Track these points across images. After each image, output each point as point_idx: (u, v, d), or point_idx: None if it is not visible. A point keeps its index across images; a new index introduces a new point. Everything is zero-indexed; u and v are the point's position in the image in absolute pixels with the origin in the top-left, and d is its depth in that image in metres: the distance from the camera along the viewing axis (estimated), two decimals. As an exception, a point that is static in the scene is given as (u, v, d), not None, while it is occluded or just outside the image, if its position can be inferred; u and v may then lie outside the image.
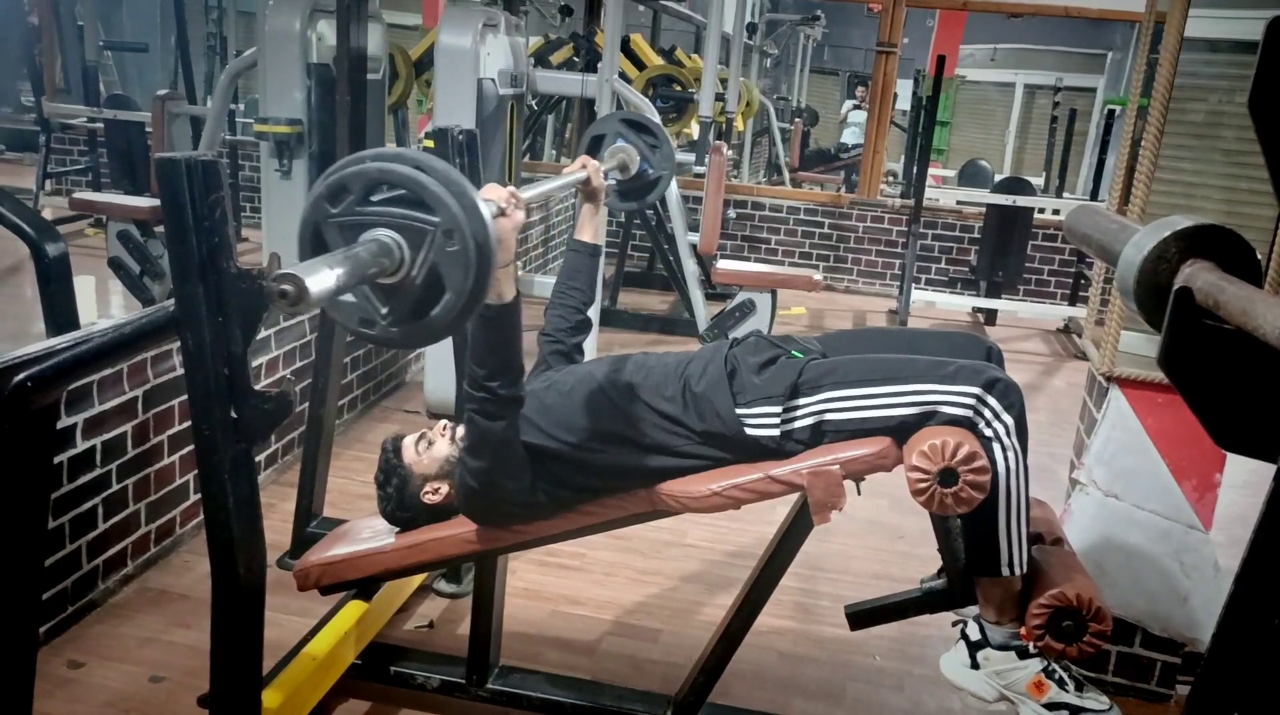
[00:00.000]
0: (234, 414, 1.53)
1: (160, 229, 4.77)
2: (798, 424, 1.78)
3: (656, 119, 2.38)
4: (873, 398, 1.74)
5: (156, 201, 4.78)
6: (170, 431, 2.74)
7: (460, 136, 2.45)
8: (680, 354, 1.98)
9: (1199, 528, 2.34)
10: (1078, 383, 4.65)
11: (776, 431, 1.78)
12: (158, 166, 1.46)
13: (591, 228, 2.17)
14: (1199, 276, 0.72)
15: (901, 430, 1.72)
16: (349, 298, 1.23)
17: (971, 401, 1.68)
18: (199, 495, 2.87)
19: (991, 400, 1.68)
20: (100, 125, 6.22)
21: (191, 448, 2.82)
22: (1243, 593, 0.69)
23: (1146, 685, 2.43)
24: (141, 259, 4.55)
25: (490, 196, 1.48)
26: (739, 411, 1.80)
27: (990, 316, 6.30)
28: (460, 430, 2.05)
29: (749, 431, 1.80)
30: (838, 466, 1.72)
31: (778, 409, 1.78)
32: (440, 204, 1.17)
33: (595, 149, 2.30)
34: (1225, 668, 0.70)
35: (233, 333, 1.51)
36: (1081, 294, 6.41)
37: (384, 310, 1.22)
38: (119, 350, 1.60)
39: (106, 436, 2.49)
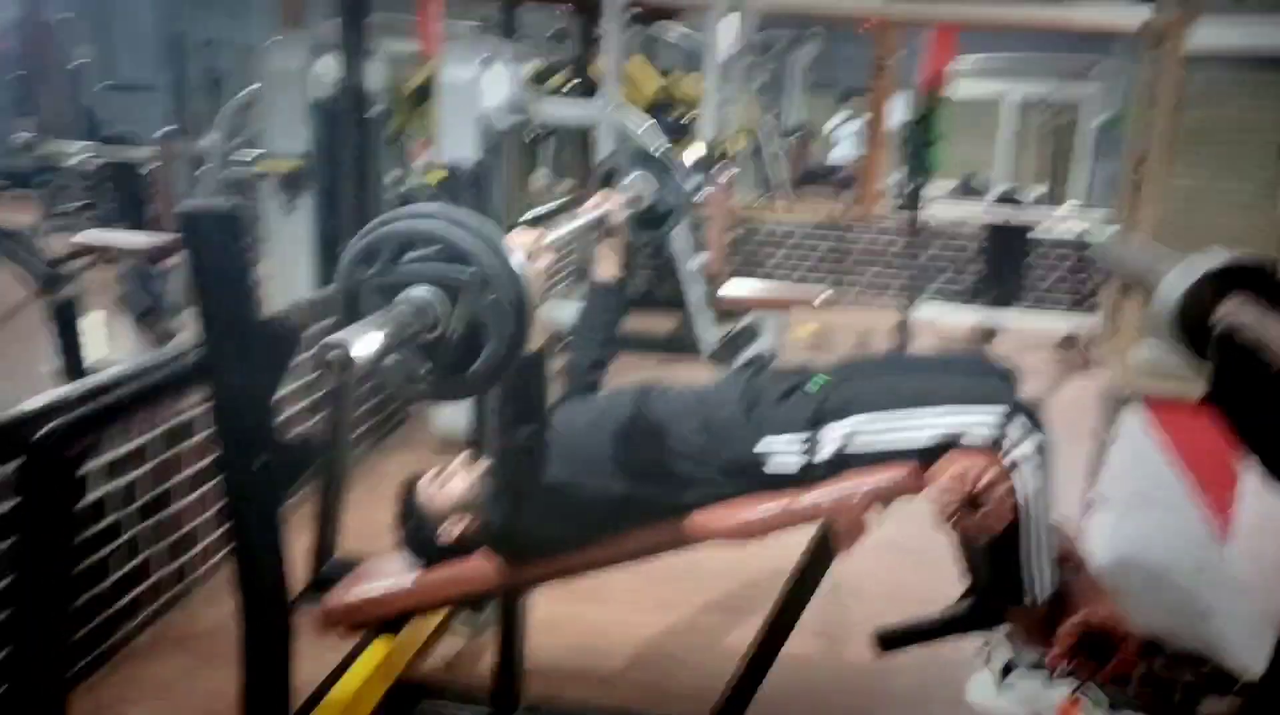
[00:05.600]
0: (262, 461, 1.54)
1: (164, 264, 4.79)
2: (821, 452, 1.78)
3: (668, 148, 2.38)
4: (895, 424, 1.74)
5: (162, 240, 4.81)
6: (181, 475, 2.74)
7: (472, 170, 2.47)
8: (701, 386, 1.98)
9: (1218, 541, 2.34)
10: (1084, 397, 4.69)
11: (799, 460, 1.78)
12: (182, 217, 1.48)
13: (610, 265, 2.18)
14: (1239, 314, 0.73)
15: (925, 456, 1.73)
16: (390, 359, 1.23)
17: (995, 425, 1.68)
18: (212, 537, 2.90)
19: (1016, 424, 1.68)
20: (99, 163, 6.24)
21: (204, 491, 2.83)
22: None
23: (1170, 704, 2.42)
24: (150, 296, 4.57)
25: (517, 242, 1.49)
26: (760, 443, 1.80)
27: (989, 334, 6.31)
28: (482, 462, 2.06)
29: (770, 462, 1.80)
30: (860, 496, 1.73)
31: (800, 438, 1.78)
32: (474, 257, 1.18)
33: (609, 182, 2.31)
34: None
35: (260, 381, 1.53)
36: (1082, 307, 6.42)
37: (425, 367, 1.23)
38: (144, 398, 1.61)
39: (122, 481, 2.49)
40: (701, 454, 1.83)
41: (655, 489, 1.86)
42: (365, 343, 1.05)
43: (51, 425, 1.46)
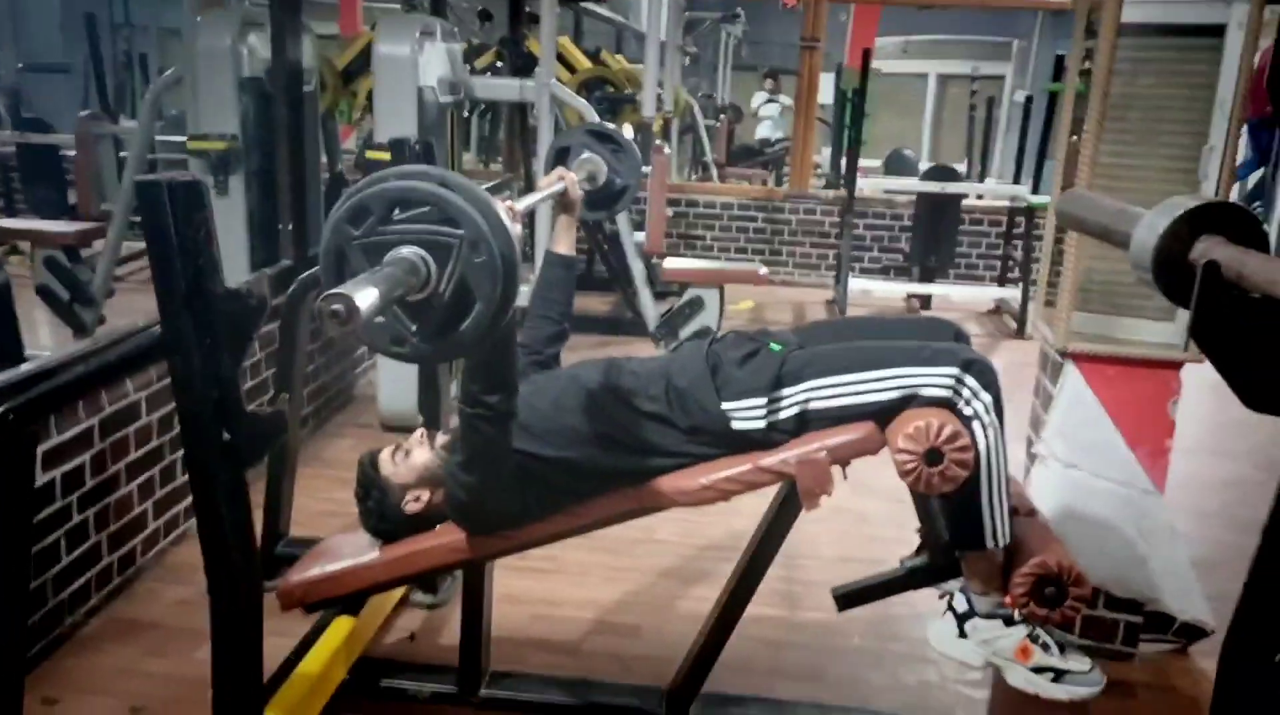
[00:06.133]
0: (226, 436, 1.52)
1: (88, 253, 4.66)
2: (783, 414, 1.82)
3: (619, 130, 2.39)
4: (854, 384, 1.79)
5: (84, 226, 4.67)
6: (128, 459, 2.68)
7: (417, 146, 2.45)
8: (661, 356, 2.01)
9: (1154, 492, 2.44)
10: (1017, 362, 4.80)
11: (762, 422, 1.82)
12: (138, 190, 1.45)
13: (568, 240, 2.19)
14: (1215, 251, 0.77)
15: (884, 414, 1.78)
16: (379, 318, 1.23)
17: (950, 382, 1.74)
18: (159, 522, 2.84)
19: (970, 380, 1.74)
20: (12, 149, 6.03)
21: (149, 475, 2.77)
22: (1273, 542, 0.74)
23: (1111, 645, 2.52)
24: (71, 285, 4.42)
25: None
26: (724, 405, 1.84)
27: (925, 301, 6.45)
28: (440, 438, 2.06)
29: (735, 424, 1.83)
30: (825, 454, 1.77)
31: (762, 401, 1.82)
32: (465, 217, 1.18)
33: (561, 161, 2.31)
34: (1260, 615, 0.75)
35: (221, 355, 1.51)
36: (1010, 276, 6.59)
37: (413, 328, 1.23)
38: (103, 376, 1.58)
39: (66, 467, 2.43)
40: (667, 417, 1.85)
41: (621, 457, 1.89)
42: (366, 296, 1.05)
43: (8, 404, 1.42)
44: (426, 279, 1.18)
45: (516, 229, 1.58)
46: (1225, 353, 0.74)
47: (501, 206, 1.53)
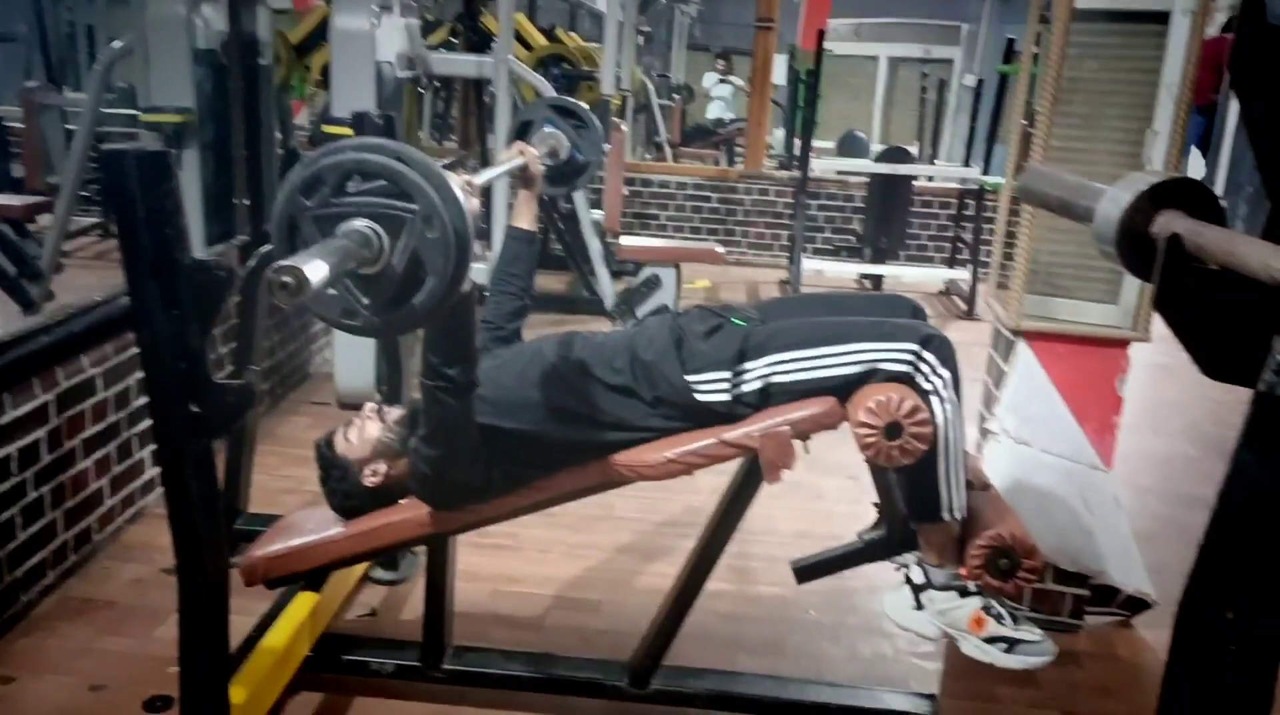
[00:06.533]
0: (194, 408, 1.51)
1: (35, 228, 4.56)
2: (746, 388, 1.85)
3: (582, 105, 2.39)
4: (816, 359, 1.82)
5: (31, 199, 4.57)
6: (84, 435, 2.65)
7: (379, 120, 2.44)
8: (626, 331, 2.03)
9: (1101, 467, 2.52)
10: (967, 342, 4.87)
11: (727, 396, 1.85)
12: (103, 160, 1.43)
13: (529, 214, 2.19)
14: (1176, 224, 0.81)
15: (845, 388, 1.81)
16: (330, 291, 1.23)
17: (909, 357, 1.78)
18: (115, 500, 2.81)
19: (928, 355, 1.78)
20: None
21: (105, 452, 2.74)
22: (1228, 505, 0.78)
23: (1059, 617, 2.60)
24: (17, 260, 4.32)
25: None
26: (689, 378, 1.86)
27: (876, 282, 6.53)
28: (393, 412, 2.06)
29: (699, 397, 1.86)
30: (787, 427, 1.80)
31: (726, 374, 1.85)
32: (419, 192, 1.18)
33: (523, 135, 2.31)
34: (1215, 573, 0.79)
35: (189, 326, 1.50)
36: (960, 258, 6.69)
37: (365, 301, 1.23)
38: (69, 347, 1.56)
39: (21, 443, 2.39)
40: (632, 389, 1.87)
41: (585, 430, 1.90)
42: (316, 268, 1.05)
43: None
44: (379, 252, 1.19)
45: (473, 204, 1.58)
46: (1186, 323, 0.78)
47: (458, 181, 1.54)
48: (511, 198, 4.85)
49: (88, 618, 2.49)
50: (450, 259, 1.22)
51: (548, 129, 2.28)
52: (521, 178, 2.15)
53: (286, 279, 1.04)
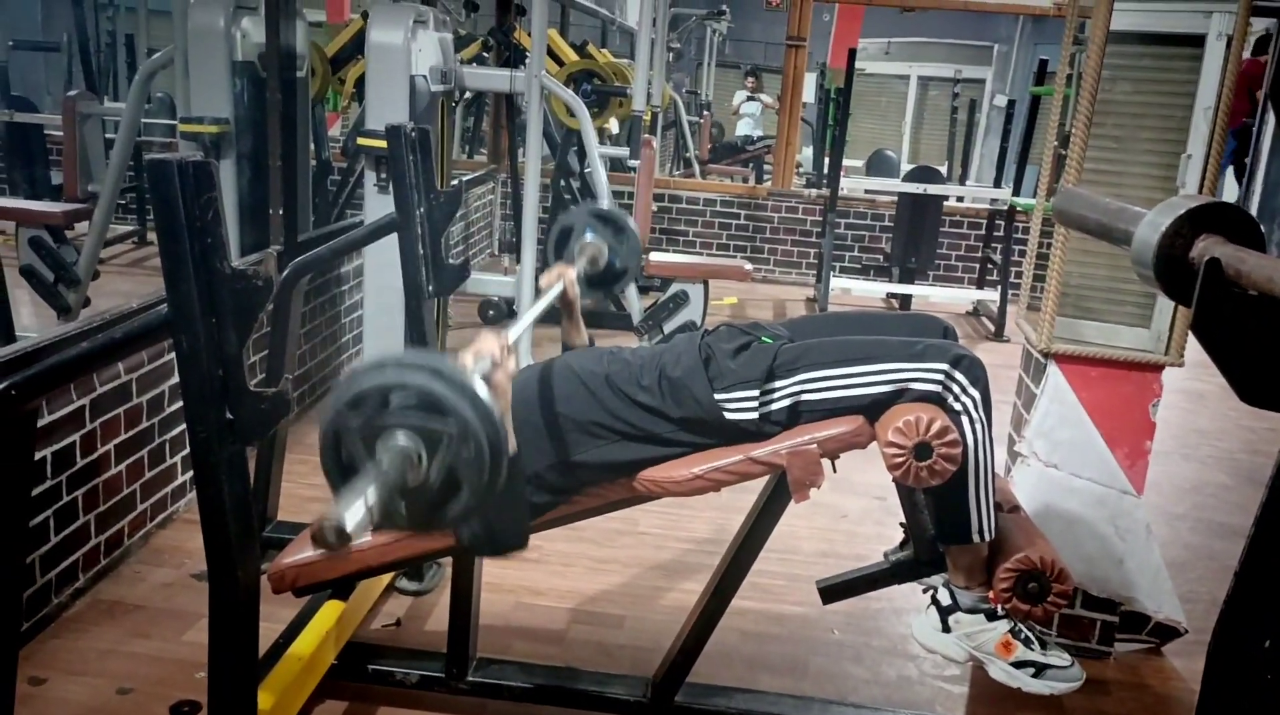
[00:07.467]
0: (229, 415, 1.53)
1: (72, 235, 4.62)
2: (775, 406, 1.85)
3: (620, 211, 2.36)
4: (846, 378, 1.82)
5: (70, 206, 4.64)
6: (117, 440, 2.68)
7: (413, 134, 2.46)
8: (653, 347, 2.03)
9: (1132, 493, 2.49)
10: (996, 363, 4.85)
11: (755, 414, 1.85)
12: (148, 168, 1.46)
13: (580, 334, 2.21)
14: (1215, 249, 0.81)
15: (874, 408, 1.81)
16: None
17: (940, 377, 1.77)
18: (146, 504, 2.84)
19: (959, 376, 1.77)
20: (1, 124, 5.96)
21: (138, 457, 2.77)
22: (1266, 531, 0.78)
23: (1088, 644, 2.57)
24: (55, 266, 4.39)
25: (485, 351, 1.51)
26: (717, 396, 1.86)
27: (905, 302, 6.51)
28: None
29: (728, 416, 1.86)
30: (815, 446, 1.80)
31: (755, 392, 1.85)
32: (455, 411, 1.20)
33: (564, 239, 2.28)
34: (1252, 600, 0.78)
35: (227, 333, 1.52)
36: (989, 279, 6.66)
37: (403, 511, 1.25)
38: (109, 353, 1.58)
39: (56, 447, 2.43)
40: (658, 409, 1.87)
41: (612, 448, 1.90)
42: (356, 511, 1.08)
43: (11, 379, 1.43)
44: (420, 470, 1.21)
45: (512, 366, 1.54)
46: (1225, 349, 0.78)
47: (488, 348, 1.52)
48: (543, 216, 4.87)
49: (117, 620, 2.52)
50: (485, 474, 1.23)
51: (589, 238, 2.26)
52: (561, 300, 2.14)
53: (331, 540, 1.07)
